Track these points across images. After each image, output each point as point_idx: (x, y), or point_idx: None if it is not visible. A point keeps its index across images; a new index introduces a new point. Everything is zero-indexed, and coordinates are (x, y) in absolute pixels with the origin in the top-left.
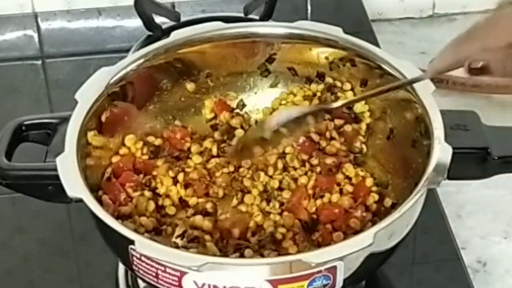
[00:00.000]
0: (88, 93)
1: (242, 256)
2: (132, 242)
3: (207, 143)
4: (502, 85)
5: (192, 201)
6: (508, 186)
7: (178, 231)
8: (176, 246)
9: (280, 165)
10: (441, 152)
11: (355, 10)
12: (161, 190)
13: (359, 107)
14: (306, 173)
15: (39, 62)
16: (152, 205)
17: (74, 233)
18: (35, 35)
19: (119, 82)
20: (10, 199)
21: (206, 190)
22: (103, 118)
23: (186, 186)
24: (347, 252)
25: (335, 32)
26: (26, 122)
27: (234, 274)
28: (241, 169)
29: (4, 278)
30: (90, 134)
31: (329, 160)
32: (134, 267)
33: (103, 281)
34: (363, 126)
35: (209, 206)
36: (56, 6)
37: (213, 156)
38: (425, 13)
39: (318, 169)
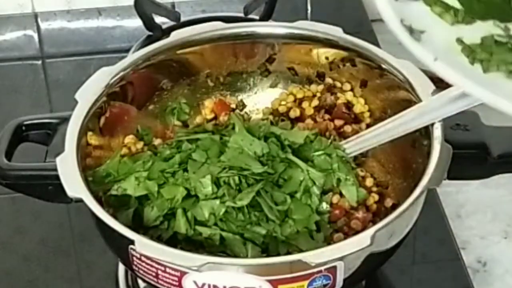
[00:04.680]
0: (88, 93)
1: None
2: (132, 242)
3: None
4: None
5: None
6: (508, 186)
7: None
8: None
9: None
10: (441, 152)
11: (355, 10)
12: None
13: (359, 107)
14: None
15: (39, 62)
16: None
17: (74, 233)
18: (35, 35)
19: (119, 82)
20: (10, 199)
21: None
22: (103, 118)
23: None
24: (347, 252)
25: (335, 32)
26: (26, 122)
27: (234, 274)
28: None
29: (4, 278)
30: (90, 134)
31: None
32: (134, 267)
33: (103, 281)
34: (363, 126)
35: None
36: (56, 6)
37: None
38: None
39: None
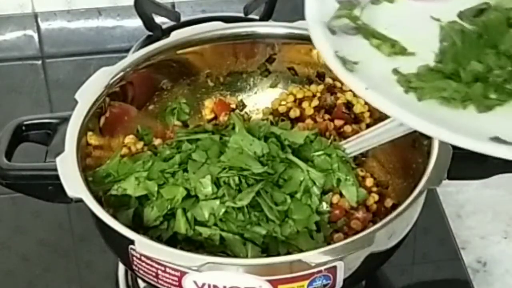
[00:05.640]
0: (88, 93)
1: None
2: (132, 242)
3: None
4: None
5: None
6: (508, 186)
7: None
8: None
9: None
10: (441, 152)
11: None
12: None
13: (359, 107)
14: None
15: (39, 62)
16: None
17: (74, 233)
18: (35, 35)
19: (119, 82)
20: (10, 199)
21: None
22: (103, 118)
23: None
24: (347, 252)
25: None
26: (26, 122)
27: (234, 274)
28: None
29: (4, 278)
30: (90, 134)
31: None
32: (134, 267)
33: (103, 281)
34: (363, 126)
35: None
36: (56, 6)
37: None
38: None
39: None
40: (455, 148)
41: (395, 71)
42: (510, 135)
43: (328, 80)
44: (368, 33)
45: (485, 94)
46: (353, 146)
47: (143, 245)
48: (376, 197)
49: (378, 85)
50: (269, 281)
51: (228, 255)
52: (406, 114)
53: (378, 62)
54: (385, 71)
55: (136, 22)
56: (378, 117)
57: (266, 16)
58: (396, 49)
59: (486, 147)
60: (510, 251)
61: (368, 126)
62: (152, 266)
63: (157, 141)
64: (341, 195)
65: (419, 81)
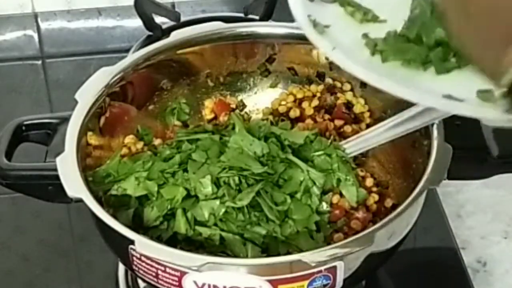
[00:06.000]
0: (88, 93)
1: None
2: (132, 242)
3: None
4: None
5: None
6: (508, 186)
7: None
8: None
9: None
10: (441, 152)
11: None
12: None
13: (359, 107)
14: None
15: (39, 62)
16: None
17: (74, 233)
18: (35, 35)
19: (119, 82)
20: (10, 199)
21: None
22: (103, 118)
23: None
24: (347, 252)
25: None
26: (26, 122)
27: (234, 274)
28: None
29: (4, 278)
30: (90, 134)
31: None
32: (134, 267)
33: (103, 281)
34: (363, 126)
35: None
36: (56, 6)
37: None
38: None
39: None
40: (455, 148)
41: (365, 36)
42: (463, 94)
43: (328, 80)
44: (344, 1)
45: (445, 58)
46: (353, 146)
47: (143, 245)
48: (376, 197)
49: (346, 48)
50: (269, 281)
51: (228, 255)
52: (366, 72)
53: (349, 28)
54: (355, 36)
55: (136, 22)
56: (378, 117)
57: (266, 16)
58: (368, 16)
59: (437, 101)
60: (510, 251)
61: (368, 126)
62: (152, 266)
63: (157, 141)
64: (341, 195)
65: (384, 45)
